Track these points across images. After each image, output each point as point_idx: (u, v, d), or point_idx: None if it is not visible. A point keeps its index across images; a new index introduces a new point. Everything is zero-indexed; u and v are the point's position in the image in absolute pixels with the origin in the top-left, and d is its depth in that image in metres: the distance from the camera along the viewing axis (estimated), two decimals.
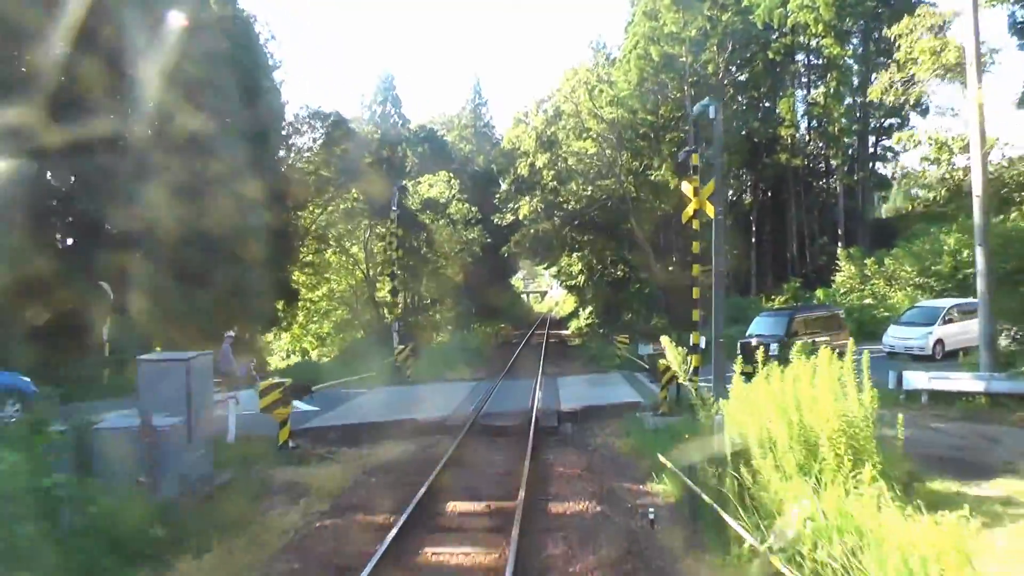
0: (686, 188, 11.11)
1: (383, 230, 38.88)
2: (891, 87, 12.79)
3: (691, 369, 7.41)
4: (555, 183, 28.70)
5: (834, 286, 27.53)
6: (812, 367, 6.73)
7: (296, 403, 13.29)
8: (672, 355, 6.65)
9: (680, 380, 6.67)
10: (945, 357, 17.52)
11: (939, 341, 18.03)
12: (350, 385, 16.78)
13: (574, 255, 37.68)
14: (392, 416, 11.77)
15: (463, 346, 29.04)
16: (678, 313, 26.60)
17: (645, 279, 28.07)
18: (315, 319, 40.04)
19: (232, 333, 14.28)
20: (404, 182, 40.69)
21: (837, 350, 15.89)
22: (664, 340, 6.90)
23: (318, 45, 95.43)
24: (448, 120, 58.73)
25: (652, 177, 30.58)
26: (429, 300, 45.00)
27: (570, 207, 29.91)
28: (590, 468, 8.67)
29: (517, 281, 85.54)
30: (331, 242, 37.09)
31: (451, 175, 42.96)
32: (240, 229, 24.46)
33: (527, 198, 30.37)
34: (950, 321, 18.37)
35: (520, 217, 31.19)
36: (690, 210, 11.05)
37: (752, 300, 27.13)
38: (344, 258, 38.69)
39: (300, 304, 38.62)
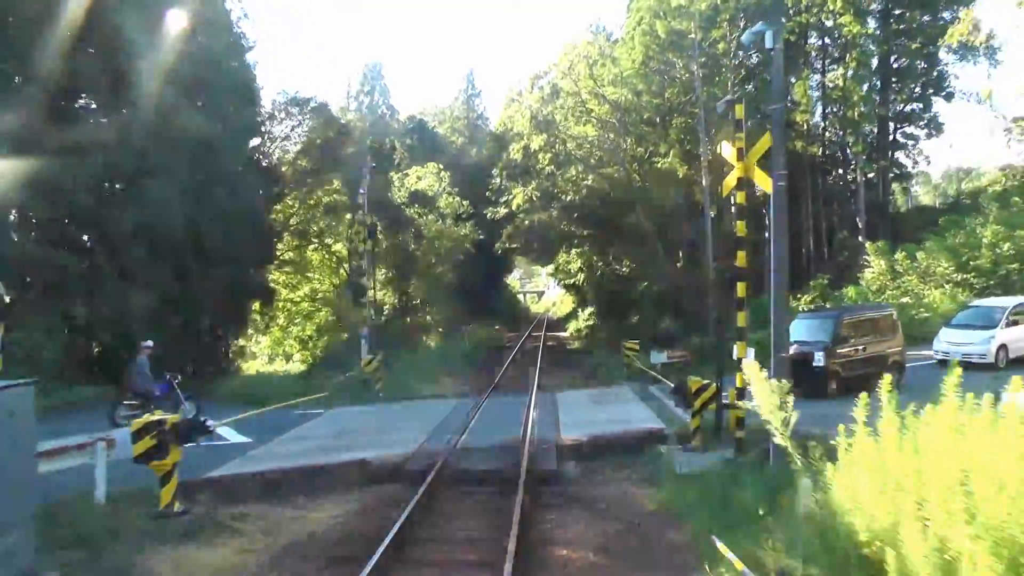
0: (727, 151, 8.33)
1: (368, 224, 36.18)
2: (975, 29, 10.09)
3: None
4: (552, 168, 25.62)
5: (862, 283, 24.78)
6: (990, 408, 3.89)
7: (226, 431, 10.51)
8: (763, 393, 3.83)
9: (779, 439, 3.83)
10: (1009, 365, 15.04)
11: (1002, 347, 15.54)
12: (309, 403, 13.96)
13: (573, 251, 34.89)
14: (338, 454, 8.94)
15: (451, 351, 26.24)
16: (691, 315, 23.99)
17: (653, 277, 25.20)
18: (297, 321, 37.25)
19: (150, 343, 11.49)
20: (390, 173, 38.05)
21: (892, 359, 12.74)
22: (750, 368, 4.07)
23: (300, 33, 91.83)
24: (440, 112, 55.95)
25: (659, 165, 27.85)
26: (419, 301, 42.33)
27: (569, 198, 26.98)
28: (607, 548, 5.88)
29: (513, 281, 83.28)
30: (312, 239, 34.34)
31: (440, 167, 40.22)
32: (206, 224, 21.79)
33: (521, 187, 27.25)
34: (1014, 323, 15.85)
35: (514, 207, 28.12)
36: (732, 179, 8.26)
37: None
38: (327, 256, 35.92)
39: (280, 305, 36.03)
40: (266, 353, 38.95)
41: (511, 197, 28.73)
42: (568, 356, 26.56)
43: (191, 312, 20.95)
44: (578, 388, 15.83)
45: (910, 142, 35.40)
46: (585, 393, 14.77)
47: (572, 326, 42.12)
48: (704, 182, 28.15)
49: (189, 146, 21.13)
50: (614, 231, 26.97)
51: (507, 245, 34.25)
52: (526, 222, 27.53)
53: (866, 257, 25.64)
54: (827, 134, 35.54)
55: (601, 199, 26.39)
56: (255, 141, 29.79)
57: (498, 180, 31.03)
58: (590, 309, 34.68)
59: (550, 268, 46.30)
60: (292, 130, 33.18)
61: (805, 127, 33.80)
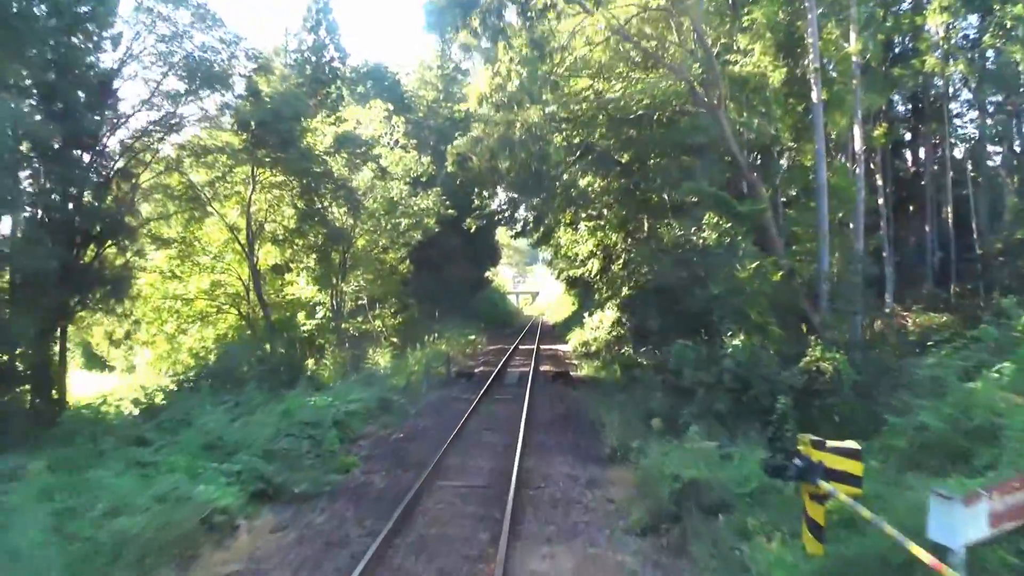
0: None
1: (272, 185, 24.37)
2: None
3: None
4: (556, 20, 12.21)
5: None
6: None
7: None
8: None
9: None
10: None
11: None
12: None
13: (582, 226, 22.91)
14: None
15: (357, 399, 13.97)
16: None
17: (761, 253, 12.59)
18: (189, 327, 25.07)
19: None
20: (312, 118, 25.99)
21: None
22: None
23: None
24: (405, 64, 44.14)
25: (737, 68, 16.07)
26: (366, 301, 30.16)
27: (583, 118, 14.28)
28: None
29: (503, 280, 72.64)
30: (210, 206, 22.24)
31: (391, 108, 28.31)
32: None
33: (487, 63, 13.07)
34: None
35: (475, 101, 13.87)
36: None
37: None
38: (231, 235, 23.77)
39: (167, 306, 24.25)
40: (163, 370, 26.53)
41: (468, 88, 15.33)
42: (578, 407, 14.53)
43: None
44: None
45: None
46: None
47: (576, 338, 30.13)
48: (814, 96, 16.29)
49: None
50: (661, 173, 14.85)
51: (482, 213, 21.89)
52: (495, 135, 13.80)
53: None
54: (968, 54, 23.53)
55: (644, 121, 14.18)
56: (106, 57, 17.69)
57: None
58: (611, 316, 22.55)
59: (547, 254, 34.17)
60: (163, 42, 20.37)
61: (941, 37, 22.13)
